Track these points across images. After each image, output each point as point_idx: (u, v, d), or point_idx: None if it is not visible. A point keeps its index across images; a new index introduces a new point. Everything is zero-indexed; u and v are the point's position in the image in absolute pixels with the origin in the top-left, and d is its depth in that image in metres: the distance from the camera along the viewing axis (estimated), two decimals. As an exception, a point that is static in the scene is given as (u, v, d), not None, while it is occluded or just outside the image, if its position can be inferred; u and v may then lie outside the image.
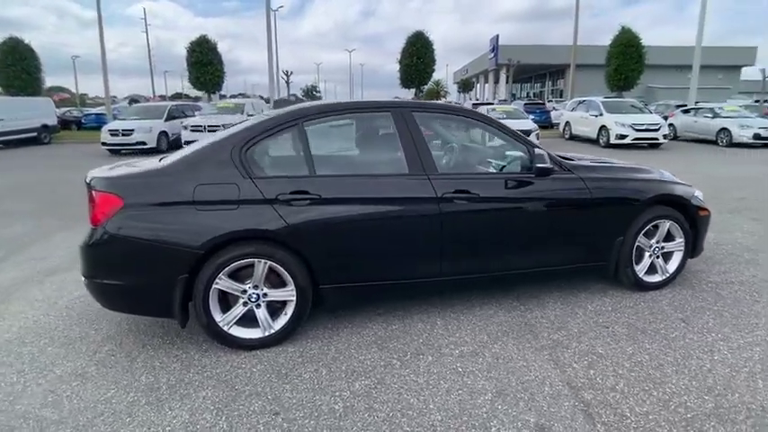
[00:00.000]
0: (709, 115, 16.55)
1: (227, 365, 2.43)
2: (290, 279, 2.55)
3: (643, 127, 14.25)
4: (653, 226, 3.20)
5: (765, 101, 20.61)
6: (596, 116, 15.30)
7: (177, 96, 67.36)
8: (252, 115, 15.22)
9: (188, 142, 13.39)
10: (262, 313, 2.57)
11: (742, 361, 2.39)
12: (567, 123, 17.50)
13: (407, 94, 22.55)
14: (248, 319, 2.57)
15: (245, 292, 2.54)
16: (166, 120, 14.41)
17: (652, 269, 3.29)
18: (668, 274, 3.31)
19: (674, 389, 2.16)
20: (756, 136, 14.60)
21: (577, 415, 1.99)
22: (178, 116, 15.13)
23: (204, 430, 1.94)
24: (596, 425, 1.93)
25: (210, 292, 2.47)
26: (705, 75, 31.51)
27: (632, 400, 2.08)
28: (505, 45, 44.87)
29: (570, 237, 3.06)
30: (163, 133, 14.00)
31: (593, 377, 2.27)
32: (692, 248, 3.35)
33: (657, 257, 3.28)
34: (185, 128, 13.26)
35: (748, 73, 46.66)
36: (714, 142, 15.50)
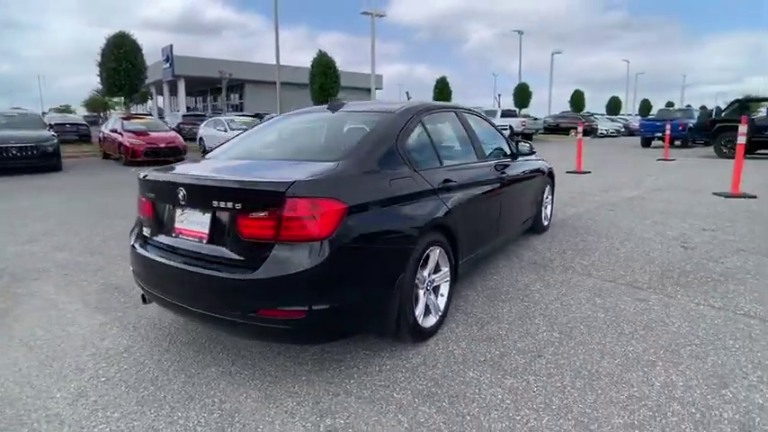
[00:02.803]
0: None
1: (440, 361, 2.48)
2: (448, 261, 2.78)
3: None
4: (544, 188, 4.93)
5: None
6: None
7: None
8: None
9: None
10: (433, 298, 2.69)
11: (651, 240, 4.35)
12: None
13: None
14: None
15: (423, 281, 2.60)
16: None
17: (544, 217, 5.04)
18: (549, 219, 5.16)
19: (641, 260, 3.82)
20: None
21: (597, 280, 3.33)
22: None
23: (531, 392, 2.17)
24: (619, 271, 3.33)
25: (413, 288, 2.44)
26: (354, 94, 41.03)
27: (616, 270, 3.60)
28: (179, 56, 43.22)
29: (529, 200, 4.40)
30: None
31: (593, 265, 3.68)
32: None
33: (545, 208, 5.06)
34: None
35: (379, 95, 62.60)
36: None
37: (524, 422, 1.93)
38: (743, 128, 6.95)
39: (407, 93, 27.38)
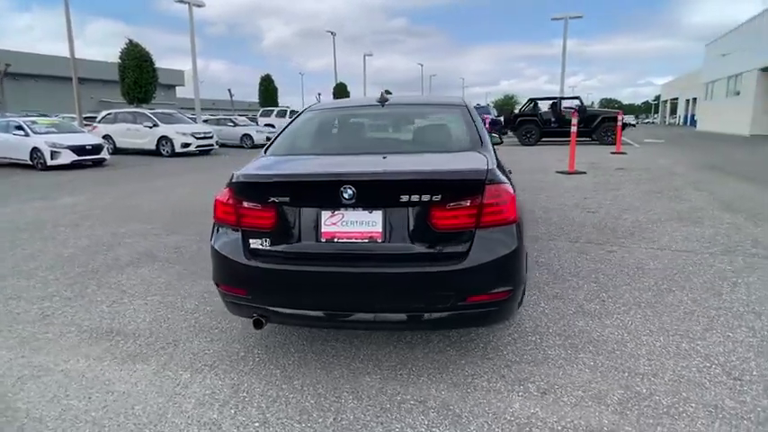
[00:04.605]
0: (231, 125, 20.61)
1: (543, 321, 2.85)
2: None
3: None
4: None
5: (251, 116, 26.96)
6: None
7: None
8: None
9: None
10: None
11: (561, 209, 5.42)
12: None
13: None
14: None
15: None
16: None
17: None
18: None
19: (574, 224, 4.85)
20: (268, 138, 20.19)
21: (565, 243, 4.28)
22: None
23: (631, 326, 2.72)
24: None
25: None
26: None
27: (567, 233, 4.59)
28: None
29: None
30: None
31: (549, 232, 4.58)
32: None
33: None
34: None
35: (181, 92, 56.65)
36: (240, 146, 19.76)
37: (653, 344, 2.48)
38: (575, 120, 9.09)
39: (230, 90, 25.72)
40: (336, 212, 2.09)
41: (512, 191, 2.15)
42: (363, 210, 2.07)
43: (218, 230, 2.32)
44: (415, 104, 3.20)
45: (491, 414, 1.96)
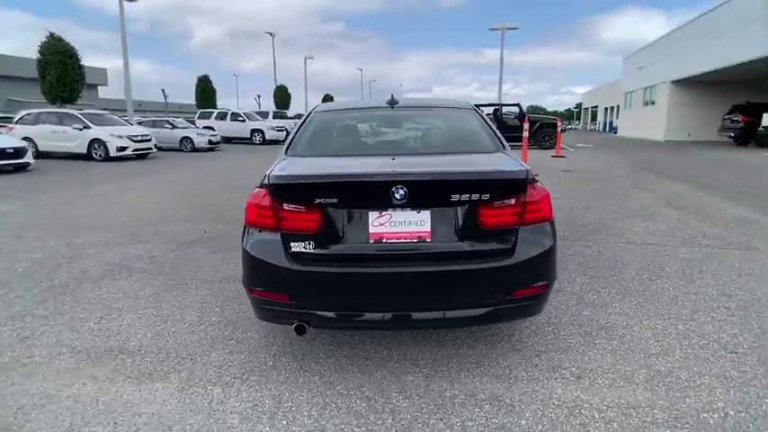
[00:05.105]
0: (169, 127, 19.50)
1: (552, 314, 3.01)
2: None
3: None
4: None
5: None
6: None
7: None
8: None
9: None
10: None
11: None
12: None
13: None
14: None
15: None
16: None
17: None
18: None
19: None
20: (210, 142, 19.33)
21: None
22: None
23: (637, 313, 2.96)
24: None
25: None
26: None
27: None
28: None
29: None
30: None
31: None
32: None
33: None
34: None
35: (103, 91, 52.52)
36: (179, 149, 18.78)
37: (655, 327, 2.73)
38: (527, 125, 9.65)
39: (163, 91, 24.34)
40: (384, 213, 2.10)
41: (546, 190, 2.29)
42: (412, 210, 2.09)
43: (249, 233, 2.24)
44: (427, 107, 3.26)
45: (539, 401, 2.07)
